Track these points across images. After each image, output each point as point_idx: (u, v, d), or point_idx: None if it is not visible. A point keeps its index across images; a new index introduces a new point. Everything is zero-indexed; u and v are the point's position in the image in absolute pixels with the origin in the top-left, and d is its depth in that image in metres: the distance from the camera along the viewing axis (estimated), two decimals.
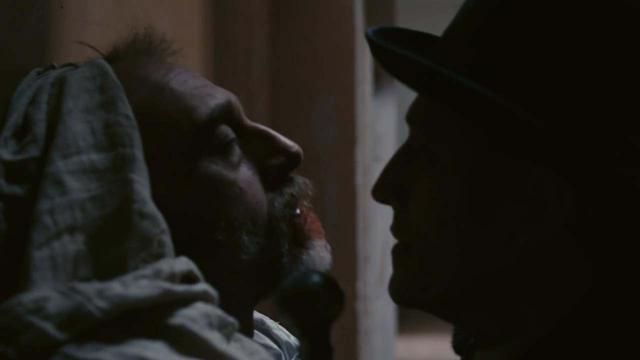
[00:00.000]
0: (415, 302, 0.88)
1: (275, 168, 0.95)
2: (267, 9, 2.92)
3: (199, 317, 0.75)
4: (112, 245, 0.79)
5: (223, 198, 0.90)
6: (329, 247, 0.98)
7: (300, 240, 0.94)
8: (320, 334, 0.84)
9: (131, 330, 0.73)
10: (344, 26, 2.98)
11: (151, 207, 0.79)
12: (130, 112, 0.85)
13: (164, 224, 0.81)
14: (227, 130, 0.93)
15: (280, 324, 1.07)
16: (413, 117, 0.87)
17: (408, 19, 6.87)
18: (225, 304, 0.87)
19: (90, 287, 0.73)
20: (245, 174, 0.92)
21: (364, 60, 3.23)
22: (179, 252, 0.83)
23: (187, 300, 0.76)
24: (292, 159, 0.96)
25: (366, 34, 0.87)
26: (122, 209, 0.80)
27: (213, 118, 0.91)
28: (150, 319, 0.74)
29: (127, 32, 0.98)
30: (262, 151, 0.96)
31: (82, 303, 0.71)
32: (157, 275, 0.76)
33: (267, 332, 1.06)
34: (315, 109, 2.49)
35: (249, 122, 0.97)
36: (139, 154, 0.83)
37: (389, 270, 3.58)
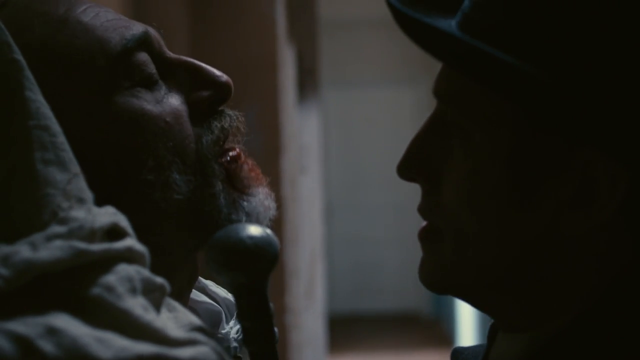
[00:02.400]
0: (447, 288, 0.81)
1: (204, 100, 0.86)
2: (187, 17, 2.87)
3: (119, 282, 0.68)
4: (17, 200, 0.73)
5: (148, 134, 0.82)
6: (272, 195, 0.90)
7: (239, 187, 0.87)
8: (257, 290, 0.80)
9: (42, 297, 0.67)
10: (266, 35, 2.96)
11: (56, 152, 0.73)
12: (17, 54, 0.78)
13: (76, 167, 0.74)
14: (147, 62, 0.85)
15: (215, 281, 1.01)
16: (441, 91, 0.79)
17: (334, 38, 6.95)
18: (163, 256, 0.82)
19: None
20: (171, 107, 0.85)
21: (287, 69, 3.21)
22: (106, 197, 0.76)
23: (107, 261, 0.69)
24: (222, 90, 0.87)
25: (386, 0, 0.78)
26: (22, 160, 0.74)
27: (128, 48, 0.84)
28: (63, 285, 0.68)
29: None
30: (188, 84, 0.87)
31: None
32: (72, 233, 0.69)
33: (204, 290, 0.99)
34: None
35: (172, 54, 0.89)
36: (32, 95, 0.76)
37: (316, 283, 3.58)
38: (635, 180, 0.70)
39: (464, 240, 0.77)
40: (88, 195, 0.73)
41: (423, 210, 0.81)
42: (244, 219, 0.86)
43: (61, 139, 0.75)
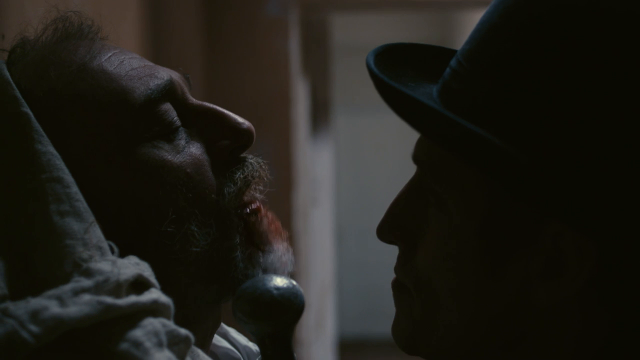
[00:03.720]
0: (418, 351, 0.80)
1: (226, 149, 0.86)
2: (201, 52, 2.90)
3: (146, 337, 0.69)
4: (37, 252, 0.74)
5: (168, 185, 0.81)
6: (290, 249, 0.89)
7: (258, 243, 0.86)
8: (282, 340, 0.81)
9: (71, 352, 0.68)
10: (280, 70, 2.98)
11: (72, 203, 0.74)
12: (24, 107, 0.78)
13: (91, 216, 0.75)
14: (169, 111, 0.84)
15: (239, 330, 1.02)
16: (419, 156, 0.80)
17: (344, 63, 6.95)
18: (182, 307, 0.81)
19: (23, 309, 0.67)
20: (192, 157, 0.84)
21: (301, 104, 3.23)
22: (126, 248, 0.76)
23: (133, 315, 0.70)
24: (244, 138, 0.86)
25: (367, 62, 0.79)
26: (39, 212, 0.75)
27: (152, 99, 0.83)
28: (91, 340, 0.69)
29: (55, 18, 0.90)
30: (210, 132, 0.86)
31: (14, 330, 0.66)
32: (99, 287, 0.70)
33: (225, 336, 0.99)
34: (252, 154, 2.46)
35: (195, 101, 0.88)
36: (42, 148, 0.76)
37: (327, 316, 3.56)
38: (605, 254, 0.70)
39: (435, 304, 0.77)
40: (105, 244, 0.74)
41: (398, 270, 0.82)
42: (259, 273, 0.85)
43: (75, 189, 0.75)
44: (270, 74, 2.97)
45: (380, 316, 8.20)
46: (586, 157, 0.69)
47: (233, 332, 1.00)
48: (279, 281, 0.81)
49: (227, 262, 0.84)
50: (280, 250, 0.87)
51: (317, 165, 4.06)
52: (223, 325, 0.99)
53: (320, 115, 4.33)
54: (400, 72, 0.79)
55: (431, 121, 0.74)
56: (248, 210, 0.86)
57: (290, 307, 0.80)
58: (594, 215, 0.69)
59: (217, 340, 0.97)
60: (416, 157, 0.80)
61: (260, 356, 0.98)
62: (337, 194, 7.40)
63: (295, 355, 0.83)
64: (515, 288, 0.74)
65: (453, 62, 0.77)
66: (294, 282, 0.82)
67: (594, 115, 0.68)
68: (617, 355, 0.73)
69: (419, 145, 0.80)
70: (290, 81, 3.00)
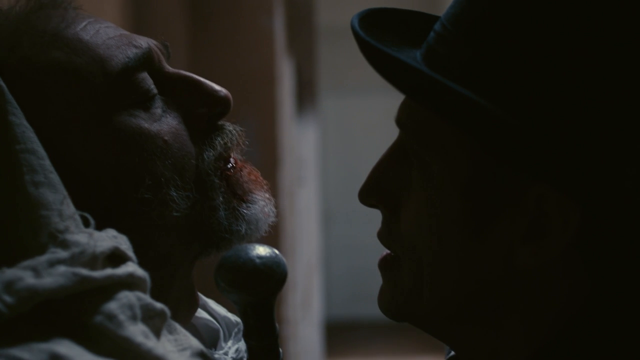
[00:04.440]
0: (406, 317, 0.81)
1: (203, 116, 0.86)
2: (186, 31, 2.89)
3: (120, 310, 0.69)
4: (12, 223, 0.73)
5: (146, 153, 0.82)
6: (272, 200, 0.89)
7: (240, 194, 0.86)
8: (265, 310, 0.81)
9: (45, 324, 0.67)
10: (264, 48, 2.97)
11: (46, 174, 0.73)
12: None
13: (64, 189, 0.74)
14: (146, 79, 0.84)
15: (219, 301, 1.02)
16: (402, 120, 0.79)
17: (332, 46, 6.94)
18: (163, 267, 0.83)
19: None
20: (169, 125, 0.84)
21: (285, 82, 3.22)
22: (105, 215, 0.77)
23: (108, 288, 0.70)
24: (221, 105, 0.87)
25: (352, 24, 0.78)
26: (13, 183, 0.74)
27: (129, 67, 0.83)
28: (66, 311, 0.68)
29: None
30: (188, 99, 0.86)
31: None
32: (74, 258, 0.69)
33: (204, 307, 0.99)
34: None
35: (171, 69, 0.88)
36: (16, 119, 0.76)
37: (313, 294, 3.57)
38: (588, 215, 0.71)
39: (420, 268, 0.77)
40: (78, 216, 0.74)
41: (382, 236, 0.82)
42: (244, 227, 0.85)
43: (48, 161, 0.75)
44: (254, 53, 2.96)
45: (369, 299, 8.18)
46: (571, 119, 0.69)
47: (212, 303, 1.00)
48: (262, 250, 0.81)
49: (211, 222, 0.85)
50: (262, 199, 0.88)
51: (302, 144, 4.05)
52: (202, 296, 1.00)
53: (305, 94, 4.32)
54: (384, 36, 0.79)
55: (418, 82, 0.74)
56: (228, 166, 0.87)
57: (272, 275, 0.80)
58: (578, 176, 0.69)
59: (197, 311, 0.97)
60: (399, 120, 0.80)
61: (239, 326, 0.98)
62: (326, 177, 7.41)
63: (276, 324, 0.83)
64: (500, 251, 0.74)
65: (437, 26, 0.77)
66: (277, 252, 0.83)
67: (580, 77, 0.69)
68: (596, 314, 0.74)
69: (402, 109, 0.80)
70: (275, 60, 2.99)
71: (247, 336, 0.82)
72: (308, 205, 4.41)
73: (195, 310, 0.94)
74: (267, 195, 0.89)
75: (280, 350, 0.85)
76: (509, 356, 0.77)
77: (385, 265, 0.82)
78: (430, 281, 0.77)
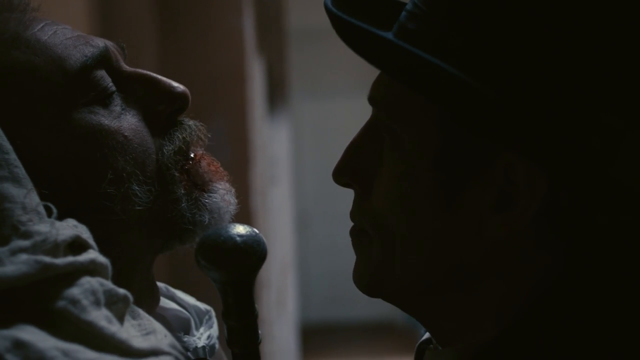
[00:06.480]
0: (378, 292, 0.82)
1: (162, 113, 0.89)
2: (155, 31, 2.88)
3: (83, 295, 0.70)
4: None
5: (106, 148, 0.84)
6: (233, 190, 0.91)
7: (200, 185, 0.88)
8: (244, 289, 0.82)
9: (8, 311, 0.68)
10: (234, 47, 2.97)
11: (10, 169, 0.74)
12: None
13: (29, 183, 0.75)
14: (104, 77, 0.86)
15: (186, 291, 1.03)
16: (375, 96, 0.81)
17: (301, 44, 6.95)
18: (125, 260, 0.84)
19: None
20: (129, 122, 0.86)
21: (256, 81, 3.22)
22: (68, 211, 0.77)
23: (70, 274, 0.71)
24: (179, 101, 0.89)
25: (325, 3, 0.80)
26: None
27: (87, 65, 0.85)
28: (28, 298, 0.69)
29: None
30: (146, 97, 0.89)
31: None
32: (36, 246, 0.70)
33: (172, 298, 1.01)
34: (207, 131, 2.46)
35: (129, 68, 0.91)
36: None
37: (288, 293, 3.56)
38: (556, 186, 0.72)
39: (392, 243, 0.79)
40: (42, 209, 0.74)
41: (353, 214, 0.83)
42: (207, 217, 0.87)
43: (13, 155, 0.76)
44: (224, 51, 2.96)
45: (347, 301, 8.26)
46: (539, 87, 0.70)
47: (180, 294, 1.02)
48: (242, 229, 0.82)
49: (174, 215, 0.86)
50: (222, 188, 0.89)
51: (274, 143, 4.06)
52: (170, 288, 1.01)
53: (277, 94, 4.32)
54: (356, 16, 0.80)
55: (389, 53, 0.75)
56: (187, 158, 0.89)
57: (253, 253, 0.81)
58: (544, 143, 0.70)
59: (165, 303, 0.98)
60: (372, 98, 0.81)
61: (209, 313, 0.99)
62: (301, 179, 7.42)
63: (256, 305, 0.84)
64: (471, 222, 0.75)
65: (409, 6, 0.79)
66: (257, 231, 0.83)
67: (549, 45, 0.70)
68: (573, 283, 0.75)
69: (374, 86, 0.82)
70: (245, 59, 2.99)
71: (227, 316, 0.83)
72: (281, 204, 4.41)
73: (157, 302, 0.95)
74: (227, 185, 0.90)
75: (260, 331, 0.86)
76: (479, 330, 0.78)
77: (355, 234, 0.83)
78: (403, 256, 0.78)
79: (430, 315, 0.82)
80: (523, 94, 0.71)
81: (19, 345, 0.66)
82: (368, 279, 0.82)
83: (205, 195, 0.88)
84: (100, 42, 0.88)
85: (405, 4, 0.85)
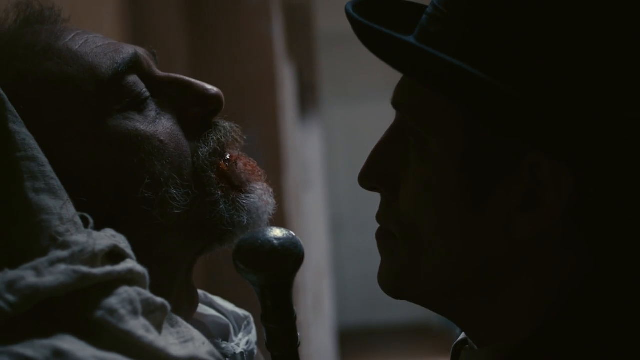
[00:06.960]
0: (404, 294, 0.82)
1: (197, 115, 0.89)
2: (185, 40, 2.90)
3: (121, 305, 0.70)
4: (13, 228, 0.75)
5: (143, 153, 0.84)
6: (270, 190, 0.91)
7: (238, 185, 0.88)
8: (283, 291, 0.82)
9: (47, 321, 0.69)
10: (264, 53, 2.98)
11: (47, 181, 0.75)
12: None
13: (65, 195, 0.76)
14: (137, 83, 0.87)
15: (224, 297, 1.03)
16: (399, 100, 0.81)
17: (327, 48, 6.95)
18: (166, 265, 0.85)
19: (0, 279, 0.68)
20: (164, 126, 0.86)
21: (286, 87, 3.23)
22: (107, 218, 0.79)
23: (108, 284, 0.71)
24: (213, 103, 0.89)
25: (346, 9, 0.80)
26: (14, 190, 0.76)
27: (119, 72, 0.85)
28: (67, 308, 0.70)
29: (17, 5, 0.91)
30: (180, 100, 0.89)
31: None
32: (74, 257, 0.71)
33: (211, 304, 1.02)
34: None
35: (161, 73, 0.91)
36: (16, 127, 0.78)
37: (324, 297, 3.56)
38: (583, 184, 0.72)
39: (420, 245, 0.78)
40: (79, 219, 0.75)
41: (380, 217, 0.83)
42: (245, 218, 0.87)
43: (49, 167, 0.77)
44: (255, 59, 2.97)
45: (383, 304, 8.24)
46: (564, 85, 0.70)
47: (218, 300, 1.02)
48: (278, 232, 0.83)
49: (213, 216, 0.86)
50: (260, 188, 0.89)
51: (306, 148, 4.06)
52: (208, 295, 1.01)
53: (308, 98, 4.33)
54: (377, 21, 0.80)
55: (412, 57, 0.75)
56: (223, 160, 0.89)
57: (290, 255, 0.82)
58: (570, 141, 0.70)
59: (204, 309, 0.99)
60: (395, 102, 0.81)
61: (248, 319, 1.00)
62: (334, 184, 7.41)
63: (294, 306, 0.84)
64: (499, 222, 0.75)
65: (430, 9, 0.79)
66: (293, 233, 0.84)
67: (574, 45, 0.70)
68: (605, 281, 0.75)
69: (398, 90, 0.82)
70: (275, 65, 3.00)
71: (265, 319, 0.84)
72: (315, 208, 4.41)
73: (196, 307, 0.95)
74: (265, 185, 0.90)
75: (299, 333, 0.86)
76: (512, 330, 0.77)
77: (381, 236, 0.83)
78: (430, 257, 0.78)
79: (460, 317, 0.81)
80: (547, 93, 0.70)
81: (58, 354, 0.67)
82: (393, 280, 0.82)
83: (243, 196, 0.88)
84: (130, 49, 0.88)
85: (425, 7, 0.85)
